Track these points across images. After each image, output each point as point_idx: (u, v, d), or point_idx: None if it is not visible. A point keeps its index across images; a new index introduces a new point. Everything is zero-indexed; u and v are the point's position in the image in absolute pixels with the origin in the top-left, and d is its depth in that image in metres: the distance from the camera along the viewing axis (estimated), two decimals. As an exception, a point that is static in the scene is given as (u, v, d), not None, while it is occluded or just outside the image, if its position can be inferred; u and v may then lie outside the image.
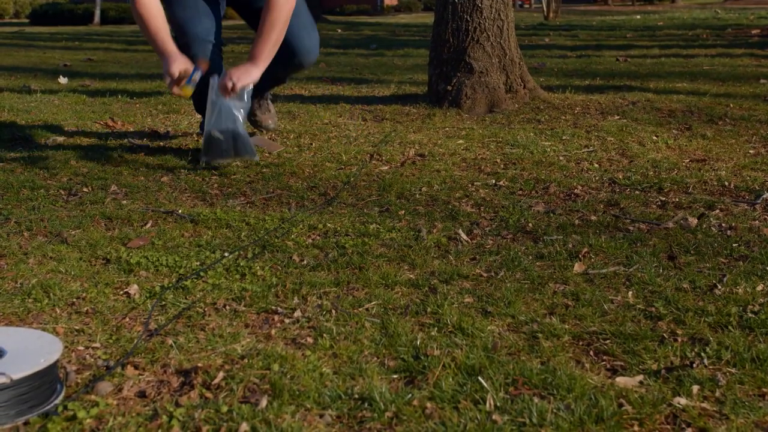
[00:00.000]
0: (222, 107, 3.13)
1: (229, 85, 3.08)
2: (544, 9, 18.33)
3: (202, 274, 2.07)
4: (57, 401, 1.40)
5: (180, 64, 3.06)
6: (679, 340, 1.66)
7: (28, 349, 1.43)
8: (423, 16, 25.13)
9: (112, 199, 2.80)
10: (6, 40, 13.84)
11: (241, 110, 3.17)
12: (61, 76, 6.79)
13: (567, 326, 1.74)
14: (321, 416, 1.37)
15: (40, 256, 2.20)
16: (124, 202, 2.77)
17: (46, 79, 6.88)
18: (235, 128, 3.15)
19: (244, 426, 1.32)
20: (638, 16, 18.27)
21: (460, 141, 3.78)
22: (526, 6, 32.50)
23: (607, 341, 1.66)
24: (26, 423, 1.34)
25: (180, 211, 2.66)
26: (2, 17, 29.03)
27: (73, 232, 2.42)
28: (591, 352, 1.62)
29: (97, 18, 22.97)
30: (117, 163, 3.38)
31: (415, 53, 9.40)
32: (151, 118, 4.60)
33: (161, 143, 3.86)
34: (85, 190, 2.93)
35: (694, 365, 1.53)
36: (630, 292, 1.92)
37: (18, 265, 2.12)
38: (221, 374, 1.50)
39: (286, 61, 3.38)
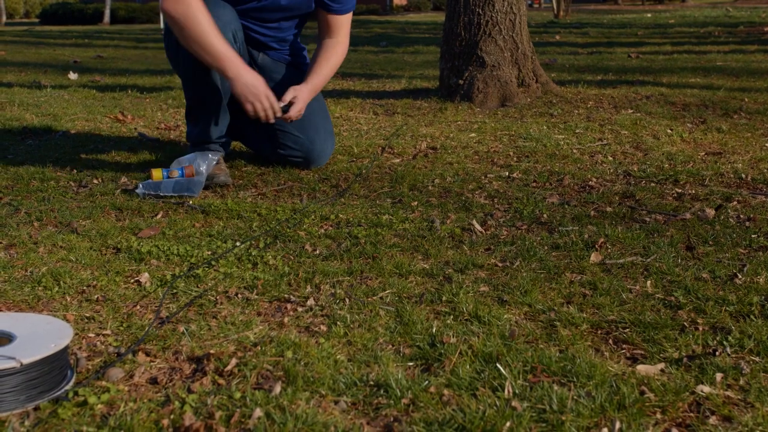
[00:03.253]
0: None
1: (298, 110, 2.86)
2: (554, 7, 18.27)
3: (213, 263, 2.04)
4: (68, 387, 1.37)
5: (261, 86, 2.73)
6: (700, 329, 1.62)
7: (38, 335, 1.41)
8: (432, 15, 25.08)
9: (122, 191, 2.78)
10: (16, 37, 13.87)
11: None
12: (71, 72, 6.79)
13: (585, 315, 1.70)
14: (336, 402, 1.34)
15: (50, 246, 2.18)
16: (135, 193, 2.74)
17: (56, 74, 6.88)
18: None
19: (258, 412, 1.29)
20: (649, 15, 18.19)
21: (473, 134, 3.75)
22: (536, 6, 32.42)
23: (627, 330, 1.63)
24: (36, 408, 1.32)
25: (191, 202, 2.63)
26: (12, 17, 29.12)
27: (83, 223, 2.40)
28: (610, 341, 1.59)
29: (106, 17, 23.01)
30: (127, 156, 3.37)
31: (425, 50, 9.37)
32: (161, 113, 4.59)
33: (171, 137, 3.84)
34: (95, 181, 2.91)
35: (717, 354, 1.50)
36: (648, 282, 1.89)
37: (28, 254, 2.10)
38: (234, 361, 1.48)
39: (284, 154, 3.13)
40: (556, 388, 1.37)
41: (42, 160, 3.23)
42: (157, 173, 2.73)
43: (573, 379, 1.40)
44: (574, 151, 3.38)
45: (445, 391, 1.37)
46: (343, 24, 3.11)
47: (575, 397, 1.33)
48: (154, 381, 1.43)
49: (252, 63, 3.09)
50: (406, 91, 5.24)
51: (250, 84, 2.71)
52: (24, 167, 3.11)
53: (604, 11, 22.91)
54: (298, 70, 3.16)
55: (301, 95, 2.89)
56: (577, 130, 3.78)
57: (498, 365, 1.44)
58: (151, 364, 1.49)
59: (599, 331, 1.63)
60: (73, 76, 6.61)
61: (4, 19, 26.21)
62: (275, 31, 3.08)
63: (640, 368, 1.45)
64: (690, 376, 1.42)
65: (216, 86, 2.84)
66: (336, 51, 3.10)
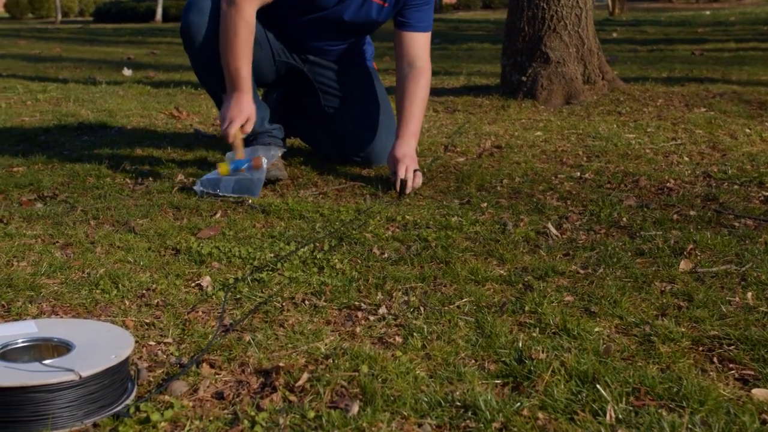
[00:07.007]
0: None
1: (411, 175, 2.64)
2: (609, 4, 17.95)
3: (278, 265, 1.93)
4: (128, 401, 1.27)
5: (247, 110, 2.64)
6: (816, 347, 1.47)
7: (97, 344, 1.31)
8: (483, 13, 24.81)
9: (179, 189, 2.69)
10: (71, 35, 14.01)
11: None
12: (125, 68, 6.77)
13: (683, 329, 1.56)
14: (420, 425, 1.22)
15: (107, 246, 2.09)
16: (192, 190, 2.64)
17: (111, 71, 6.87)
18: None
19: (336, 435, 1.17)
20: (708, 12, 17.76)
21: (539, 133, 3.59)
22: (588, 3, 31.94)
23: (732, 347, 1.48)
24: (95, 425, 1.21)
25: (250, 201, 2.53)
26: (68, 15, 29.54)
27: (140, 221, 2.31)
28: (715, 359, 1.44)
29: (158, 15, 23.18)
30: (183, 153, 3.28)
31: (479, 47, 9.21)
32: (216, 109, 4.51)
33: (228, 133, 3.75)
34: (151, 178, 2.83)
35: (840, 377, 1.35)
36: (749, 293, 1.73)
37: (85, 254, 2.01)
38: (305, 375, 1.36)
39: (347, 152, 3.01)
40: (664, 413, 1.23)
41: (98, 157, 3.16)
42: (224, 168, 2.61)
43: (682, 403, 1.26)
44: (647, 150, 3.21)
45: (540, 415, 1.23)
46: (422, 45, 2.83)
47: (689, 426, 1.19)
48: (220, 396, 1.32)
49: (302, 62, 2.98)
50: (466, 88, 5.09)
51: (236, 107, 2.61)
52: (80, 164, 3.04)
53: (658, 9, 22.45)
54: (355, 69, 3.04)
55: (408, 154, 2.68)
56: (649, 129, 3.61)
57: (597, 386, 1.31)
58: (216, 376, 1.38)
59: (701, 348, 1.49)
60: (127, 72, 6.59)
61: (59, 17, 26.59)
62: (336, 45, 2.97)
63: (756, 392, 1.30)
64: (814, 402, 1.27)
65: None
66: (420, 84, 2.80)
